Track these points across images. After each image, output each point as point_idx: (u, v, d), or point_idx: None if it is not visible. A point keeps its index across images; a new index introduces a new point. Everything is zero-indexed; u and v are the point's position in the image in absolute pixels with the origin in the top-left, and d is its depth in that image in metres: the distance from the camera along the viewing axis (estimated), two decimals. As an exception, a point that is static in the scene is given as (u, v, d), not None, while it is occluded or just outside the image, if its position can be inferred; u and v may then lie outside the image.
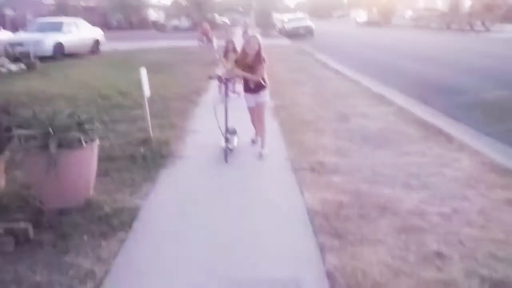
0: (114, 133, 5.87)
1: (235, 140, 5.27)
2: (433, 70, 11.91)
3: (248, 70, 4.82)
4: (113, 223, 3.46)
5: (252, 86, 4.95)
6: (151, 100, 5.90)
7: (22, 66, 12.87)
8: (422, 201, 3.82)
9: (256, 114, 5.17)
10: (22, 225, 3.24)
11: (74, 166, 3.68)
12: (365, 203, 3.79)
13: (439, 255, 3.02)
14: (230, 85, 5.78)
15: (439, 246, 3.13)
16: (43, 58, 14.36)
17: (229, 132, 5.11)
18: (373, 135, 5.79)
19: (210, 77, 5.71)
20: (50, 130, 3.55)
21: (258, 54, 4.81)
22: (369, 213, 3.63)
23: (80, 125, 3.77)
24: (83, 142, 3.65)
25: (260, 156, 5.04)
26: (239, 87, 6.12)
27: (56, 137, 3.52)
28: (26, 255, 3.05)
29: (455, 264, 2.92)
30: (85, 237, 3.25)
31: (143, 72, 5.43)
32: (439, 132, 5.83)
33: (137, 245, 3.23)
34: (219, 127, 4.93)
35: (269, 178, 4.58)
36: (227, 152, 4.91)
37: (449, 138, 5.57)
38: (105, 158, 4.62)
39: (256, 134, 5.42)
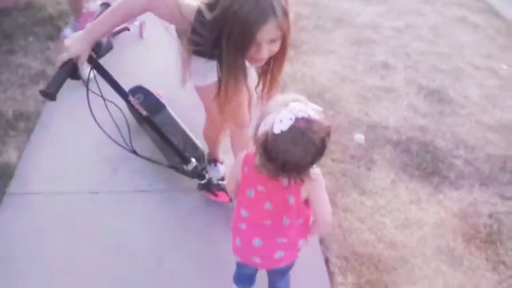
0: None
1: None
2: None
3: None
4: (59, 24, 3.28)
5: None
6: None
7: None
8: (378, 15, 3.82)
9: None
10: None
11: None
12: (323, 15, 3.75)
13: (385, 65, 3.17)
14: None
15: (386, 57, 3.26)
16: None
17: None
18: None
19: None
20: None
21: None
22: (326, 24, 3.63)
23: None
24: None
25: None
26: None
27: None
28: (-30, 54, 2.92)
29: (398, 73, 3.10)
30: (31, 38, 3.11)
31: None
32: None
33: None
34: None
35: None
36: None
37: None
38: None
39: None
